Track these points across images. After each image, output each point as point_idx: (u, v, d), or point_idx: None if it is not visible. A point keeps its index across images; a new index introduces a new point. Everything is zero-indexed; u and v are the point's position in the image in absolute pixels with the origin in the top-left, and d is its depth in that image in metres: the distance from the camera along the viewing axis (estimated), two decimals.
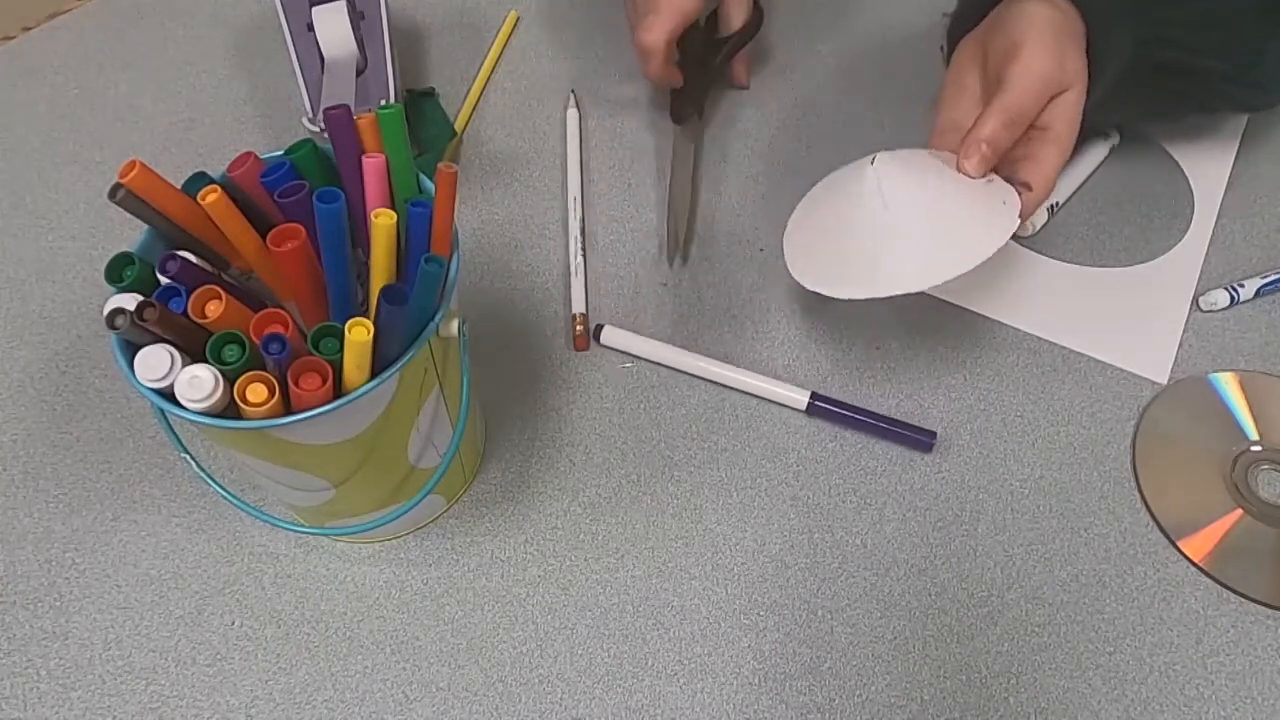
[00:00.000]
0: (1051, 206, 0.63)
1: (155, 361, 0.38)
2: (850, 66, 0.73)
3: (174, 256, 0.40)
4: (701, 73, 0.69)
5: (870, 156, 0.52)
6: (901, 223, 0.50)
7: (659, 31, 0.61)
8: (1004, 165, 0.52)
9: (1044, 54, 0.49)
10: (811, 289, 0.52)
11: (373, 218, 0.40)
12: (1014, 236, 0.63)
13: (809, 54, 0.73)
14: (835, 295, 0.51)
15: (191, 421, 0.39)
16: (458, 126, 0.69)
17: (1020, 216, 0.50)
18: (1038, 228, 0.63)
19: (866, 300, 0.50)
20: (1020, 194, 0.51)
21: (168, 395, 0.39)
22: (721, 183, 0.67)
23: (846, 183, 0.53)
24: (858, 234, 0.52)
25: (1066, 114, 0.51)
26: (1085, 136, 0.65)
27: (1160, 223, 0.64)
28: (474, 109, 0.71)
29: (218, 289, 0.39)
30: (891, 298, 0.50)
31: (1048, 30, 0.49)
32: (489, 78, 0.72)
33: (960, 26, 0.56)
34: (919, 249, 0.50)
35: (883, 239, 0.50)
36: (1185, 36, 0.55)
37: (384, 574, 0.52)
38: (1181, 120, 0.66)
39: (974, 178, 0.50)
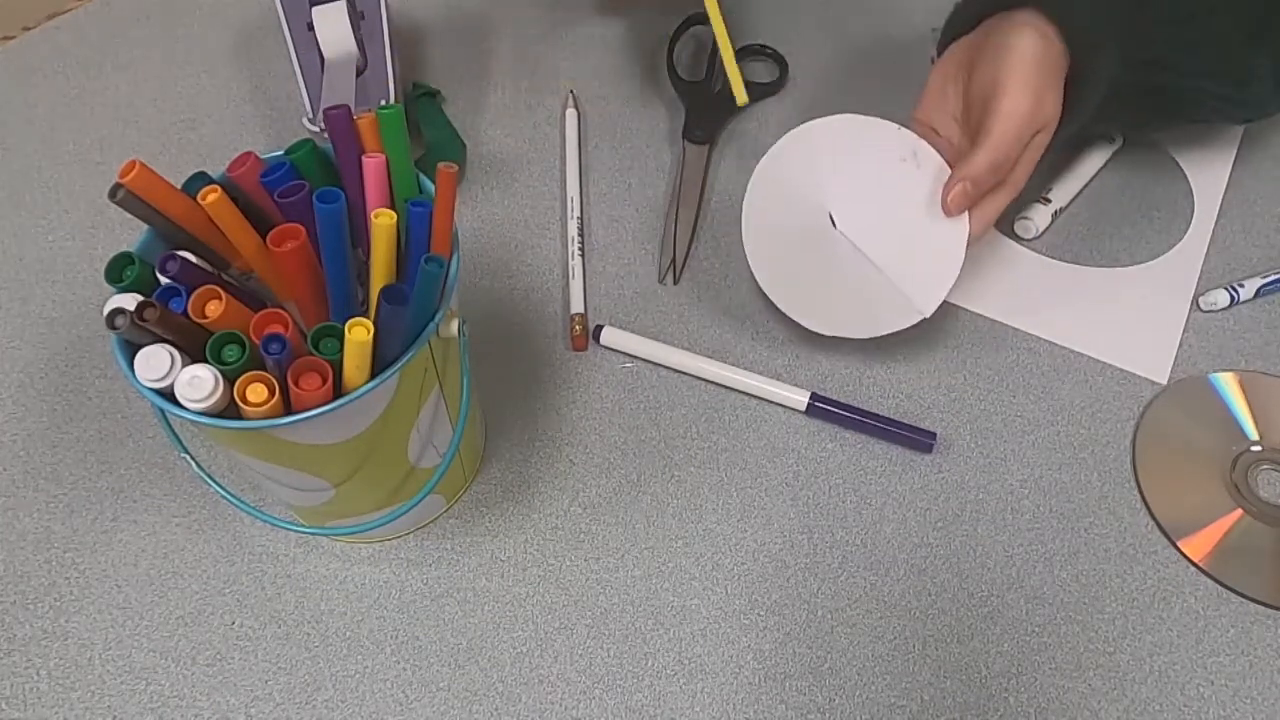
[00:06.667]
0: (1055, 211, 0.63)
1: (155, 361, 0.38)
2: (850, 67, 0.73)
3: (174, 256, 0.40)
4: (711, 99, 0.69)
5: (815, 152, 0.56)
6: (876, 267, 0.55)
7: None
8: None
9: (1026, 95, 0.50)
10: (813, 329, 0.56)
11: (373, 218, 0.40)
12: (1015, 238, 0.63)
13: (809, 55, 0.73)
14: (836, 334, 0.56)
15: (191, 421, 0.39)
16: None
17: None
18: (1040, 230, 0.63)
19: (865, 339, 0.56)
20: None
21: (168, 395, 0.39)
22: (721, 182, 0.67)
23: (804, 209, 0.57)
24: (844, 277, 0.55)
25: (1026, 158, 0.52)
26: (1086, 141, 0.66)
27: (1160, 223, 0.64)
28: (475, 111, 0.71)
29: (218, 289, 0.39)
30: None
31: (1032, 69, 0.50)
32: (489, 78, 0.72)
33: (950, 36, 0.57)
34: (908, 284, 0.54)
35: (868, 283, 0.55)
36: (1175, 59, 0.55)
37: (384, 574, 0.52)
38: (1174, 128, 0.67)
39: (952, 215, 0.53)
